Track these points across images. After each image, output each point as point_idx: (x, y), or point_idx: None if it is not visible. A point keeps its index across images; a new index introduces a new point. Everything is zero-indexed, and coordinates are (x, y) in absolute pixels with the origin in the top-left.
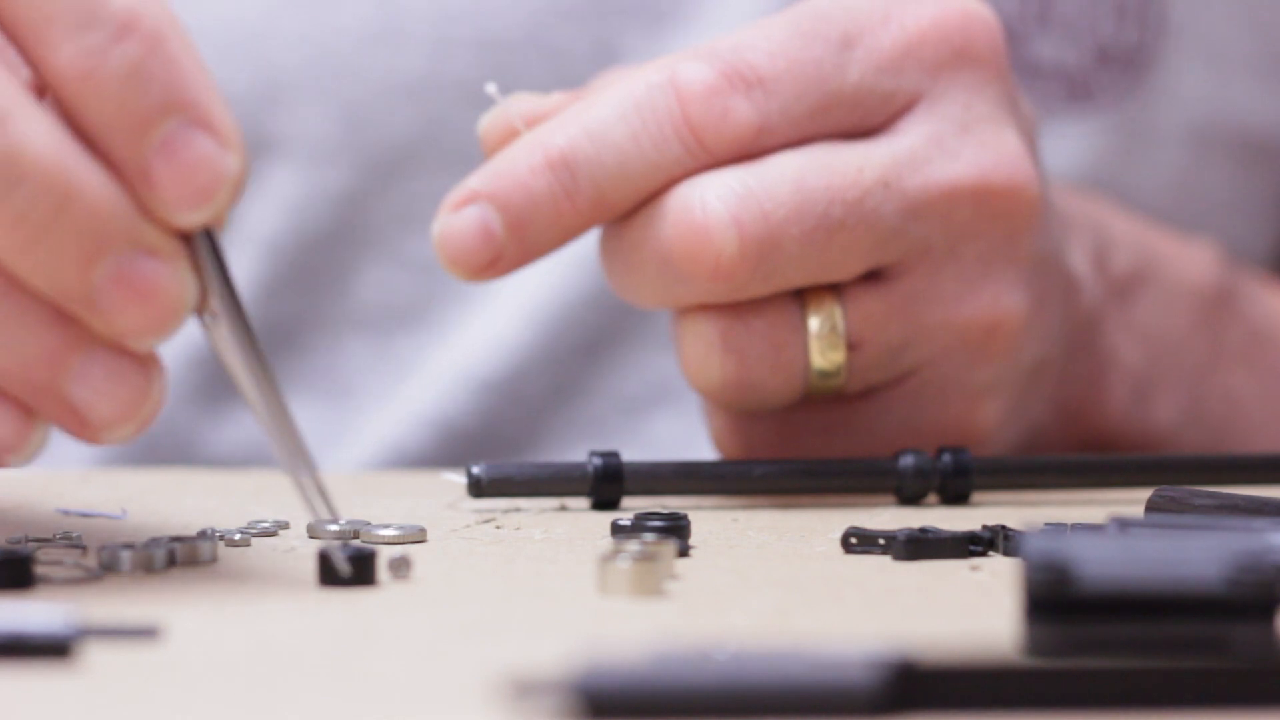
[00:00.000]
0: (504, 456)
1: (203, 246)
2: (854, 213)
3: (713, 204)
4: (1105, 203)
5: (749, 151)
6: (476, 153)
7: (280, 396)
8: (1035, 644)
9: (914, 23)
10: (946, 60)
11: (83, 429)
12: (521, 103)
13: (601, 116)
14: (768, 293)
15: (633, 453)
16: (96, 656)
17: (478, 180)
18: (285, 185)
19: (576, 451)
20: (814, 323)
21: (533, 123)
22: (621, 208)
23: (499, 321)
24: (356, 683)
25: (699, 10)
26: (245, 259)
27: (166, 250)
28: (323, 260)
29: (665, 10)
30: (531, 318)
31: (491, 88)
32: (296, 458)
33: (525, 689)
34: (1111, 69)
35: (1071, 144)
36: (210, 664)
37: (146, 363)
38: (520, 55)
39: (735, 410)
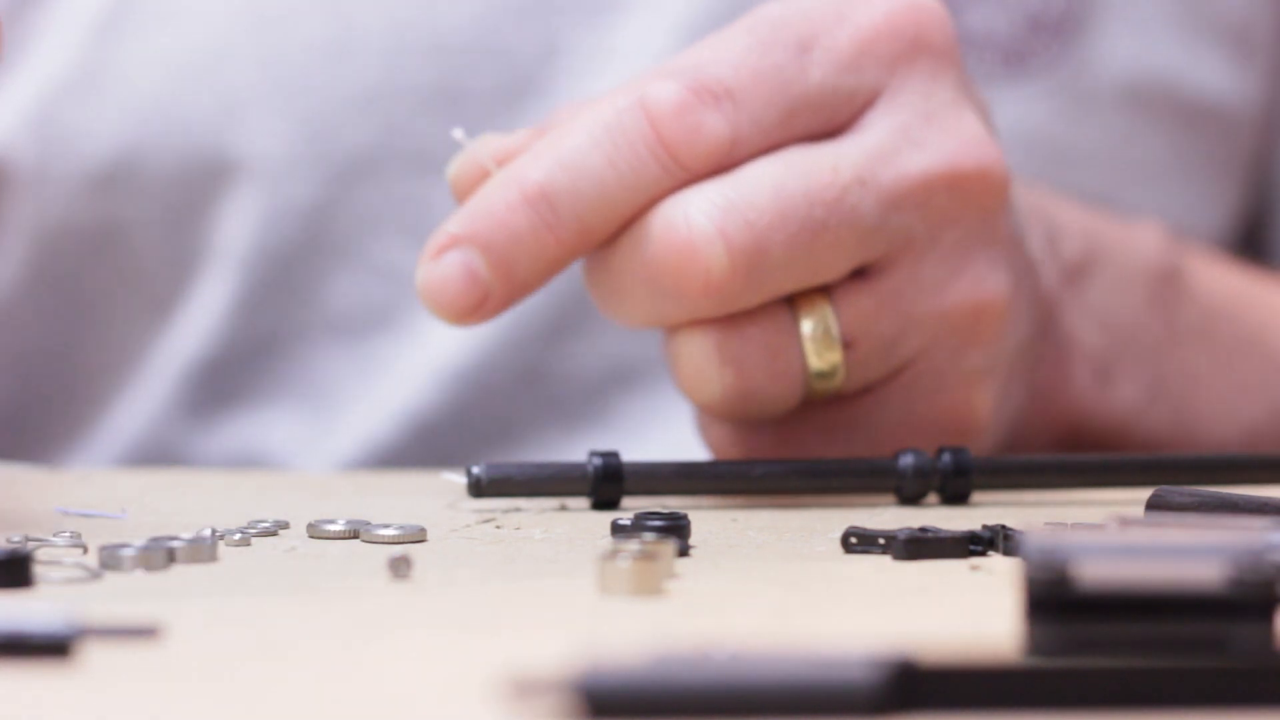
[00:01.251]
0: (473, 444)
1: None
2: (835, 212)
3: (697, 220)
4: (1049, 192)
5: (724, 164)
6: (435, 157)
7: None
8: (1035, 644)
9: (867, 19)
10: (902, 53)
11: None
12: (489, 143)
13: (574, 145)
14: (759, 302)
15: (597, 433)
16: (96, 656)
17: (456, 224)
18: (252, 202)
19: (544, 436)
20: (807, 325)
21: (502, 161)
22: (604, 234)
23: None
24: (356, 682)
25: (640, 5)
26: (219, 276)
27: None
28: (294, 272)
29: (608, 5)
30: None
31: (458, 133)
32: None
33: (525, 689)
34: (1043, 35)
35: (1010, 110)
36: (210, 664)
37: None
38: (470, 58)
39: (735, 420)
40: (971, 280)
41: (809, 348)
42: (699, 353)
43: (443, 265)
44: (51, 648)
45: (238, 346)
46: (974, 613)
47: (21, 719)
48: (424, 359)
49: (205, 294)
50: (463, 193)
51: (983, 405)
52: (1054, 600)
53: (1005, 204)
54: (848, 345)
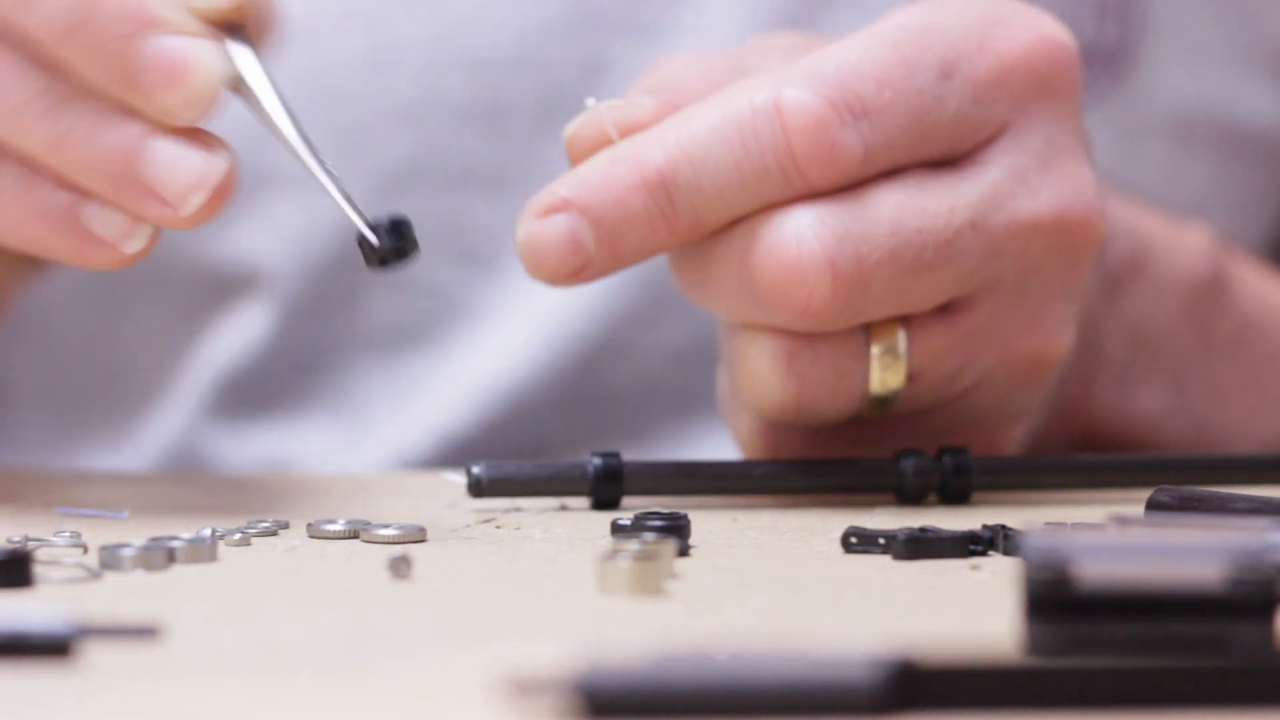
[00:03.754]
0: None
1: (232, 39)
2: (943, 254)
3: (808, 242)
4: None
5: (847, 182)
6: (475, 173)
7: (314, 149)
8: (1035, 644)
9: (1008, 51)
10: (1031, 91)
11: (164, 207)
12: (614, 109)
13: (702, 138)
14: (846, 327)
15: (634, 457)
16: (96, 656)
17: (569, 189)
18: (288, 215)
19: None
20: (878, 351)
21: (625, 132)
22: (714, 228)
23: (503, 337)
24: (357, 683)
25: (684, 21)
26: (255, 286)
27: (194, 30)
28: (330, 287)
29: (650, 22)
30: (535, 333)
31: (591, 100)
32: (331, 178)
33: (525, 689)
34: (1094, 68)
35: None
36: (210, 664)
37: (209, 140)
38: (511, 74)
39: (780, 425)
40: (1042, 331)
41: (875, 374)
42: (767, 359)
43: (549, 226)
44: (51, 648)
45: (274, 358)
46: (974, 613)
47: (21, 719)
48: (461, 379)
49: (241, 304)
50: (579, 154)
51: (1010, 443)
52: (1054, 600)
53: (1093, 257)
54: (912, 377)
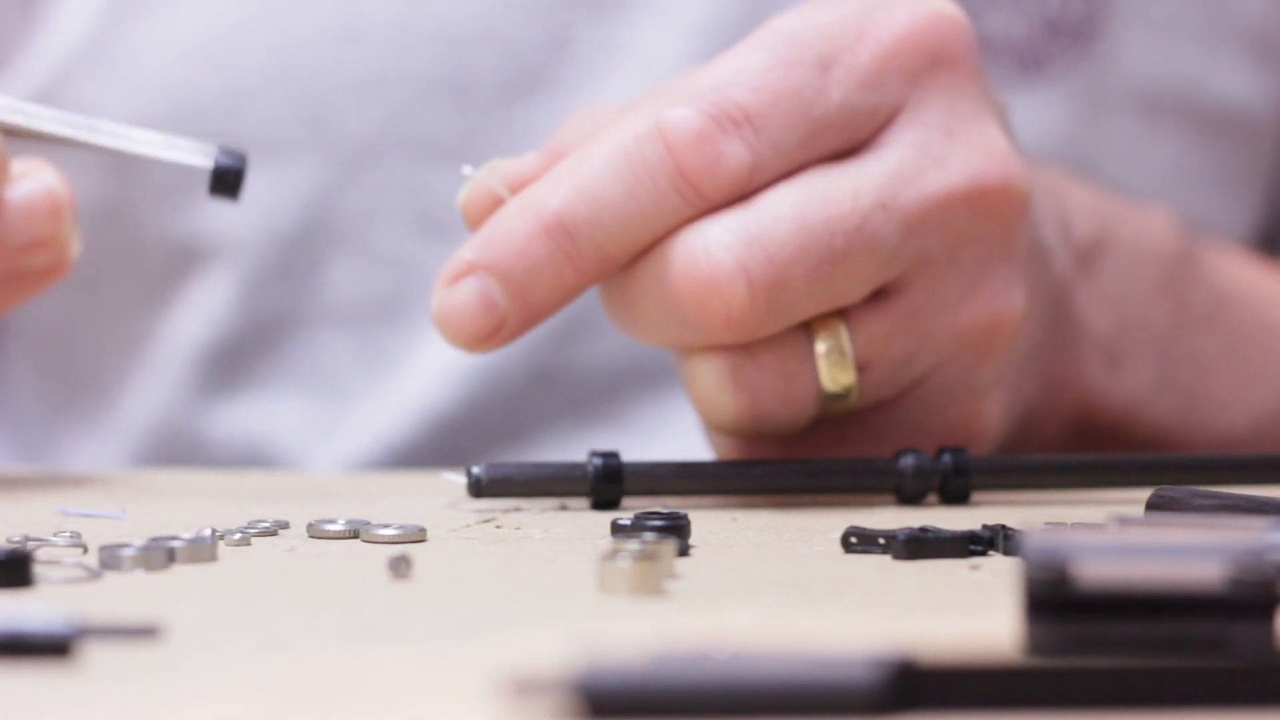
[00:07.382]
0: (486, 443)
1: None
2: (855, 240)
3: (717, 253)
4: (1060, 171)
5: (744, 190)
6: (440, 146)
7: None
8: (1035, 644)
9: (888, 34)
10: (923, 67)
11: None
12: (499, 169)
13: (593, 174)
14: (777, 330)
15: (610, 432)
16: (96, 656)
17: (472, 251)
18: (254, 186)
19: (557, 434)
20: (822, 349)
21: (515, 188)
22: (623, 261)
23: None
24: (357, 682)
25: (653, 2)
26: (222, 259)
27: None
28: (296, 258)
29: (618, 0)
30: None
31: (467, 169)
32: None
33: (525, 688)
34: (1060, 40)
35: (1025, 115)
36: (210, 664)
37: None
38: (477, 48)
39: (746, 438)
40: (988, 297)
41: (823, 372)
42: (713, 377)
43: (459, 291)
44: (51, 648)
45: (243, 331)
46: (974, 613)
47: (21, 719)
48: (435, 355)
49: (209, 277)
50: (475, 220)
51: (990, 416)
52: (1054, 600)
53: (1025, 217)
54: (862, 368)
